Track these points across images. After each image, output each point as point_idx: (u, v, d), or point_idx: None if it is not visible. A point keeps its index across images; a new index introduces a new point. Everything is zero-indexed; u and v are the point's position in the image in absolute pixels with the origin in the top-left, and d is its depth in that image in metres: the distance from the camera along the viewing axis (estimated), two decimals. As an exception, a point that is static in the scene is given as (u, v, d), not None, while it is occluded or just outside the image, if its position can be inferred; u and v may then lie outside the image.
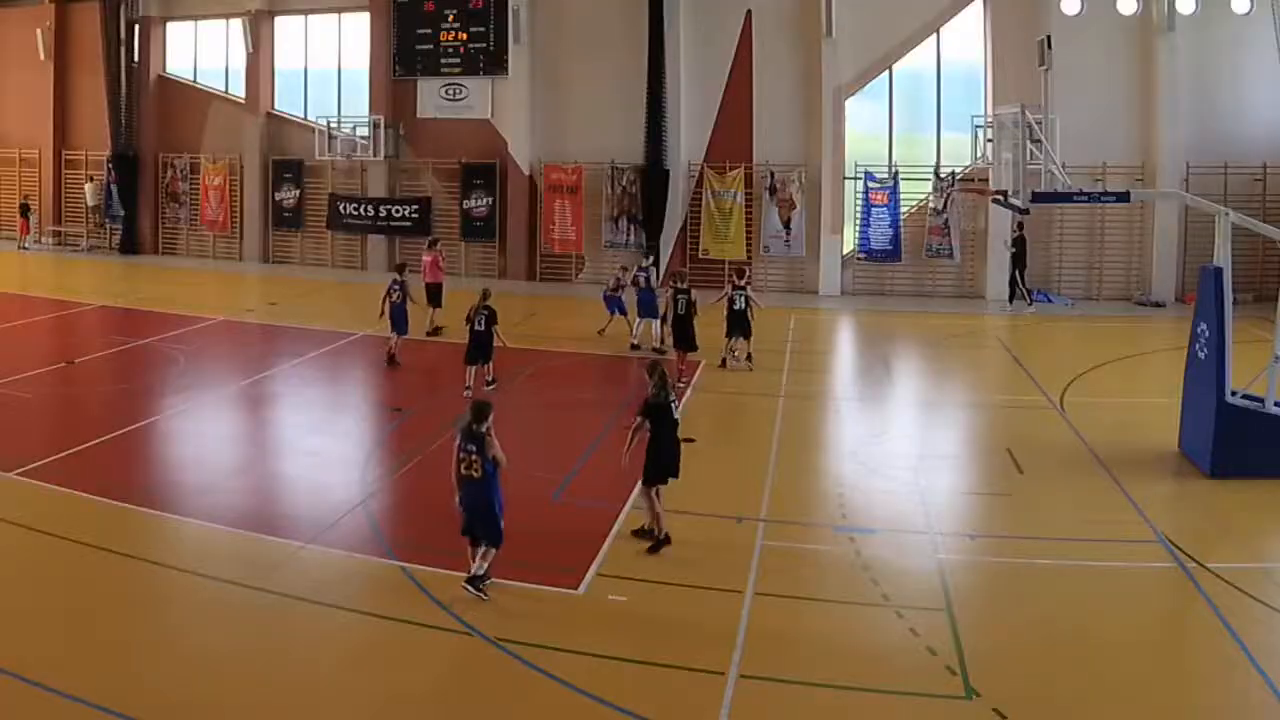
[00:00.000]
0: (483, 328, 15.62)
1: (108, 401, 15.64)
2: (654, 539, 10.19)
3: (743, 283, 18.15)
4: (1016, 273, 24.57)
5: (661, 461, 10.18)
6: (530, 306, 23.88)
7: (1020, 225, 24.36)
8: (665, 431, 10.17)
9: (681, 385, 15.77)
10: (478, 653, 8.18)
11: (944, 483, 12.54)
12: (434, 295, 20.40)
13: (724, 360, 17.96)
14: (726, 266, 26.76)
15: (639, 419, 10.15)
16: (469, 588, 8.92)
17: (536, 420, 14.80)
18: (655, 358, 11.60)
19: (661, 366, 10.69)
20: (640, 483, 10.34)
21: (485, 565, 8.96)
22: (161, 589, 9.31)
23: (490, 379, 15.95)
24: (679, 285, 17.19)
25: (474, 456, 8.83)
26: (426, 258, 20.88)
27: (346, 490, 11.80)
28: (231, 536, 10.35)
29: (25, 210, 32.55)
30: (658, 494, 10.27)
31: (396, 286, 18.01)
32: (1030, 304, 24.46)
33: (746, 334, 17.96)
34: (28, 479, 11.65)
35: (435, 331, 19.96)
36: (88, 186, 32.62)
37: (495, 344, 15.79)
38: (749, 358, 18.02)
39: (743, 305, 17.87)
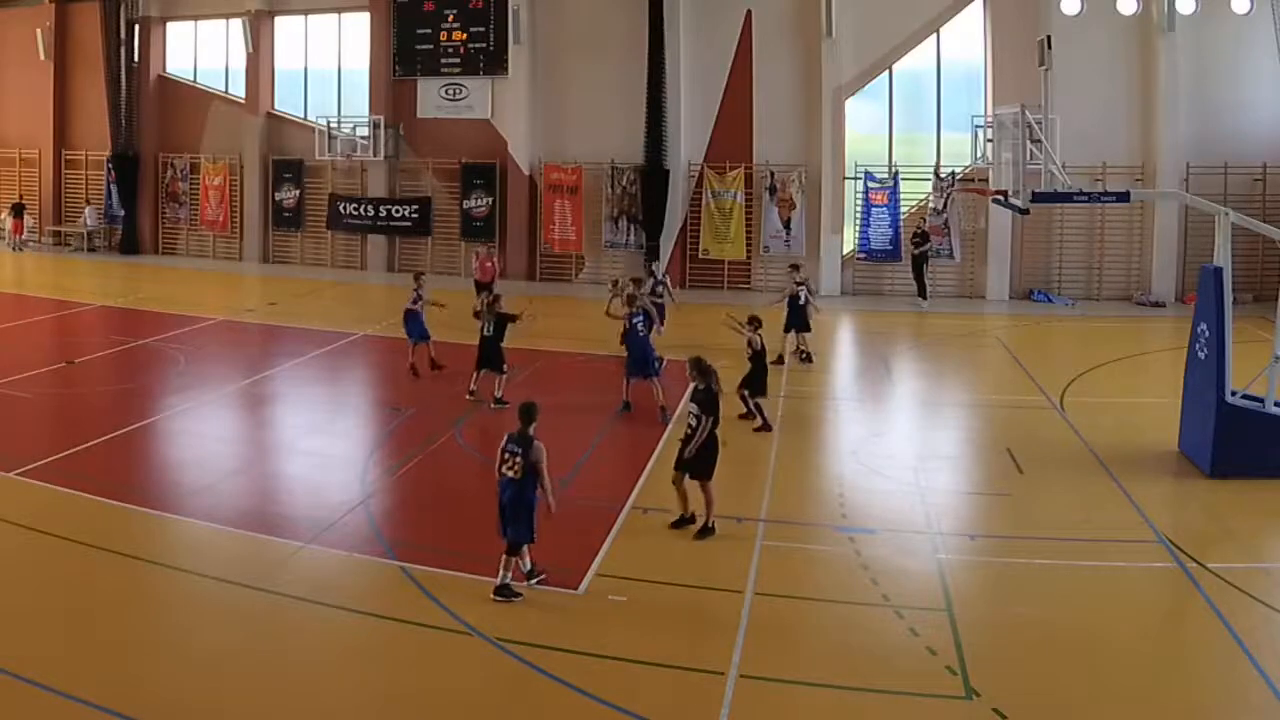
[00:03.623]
0: (490, 333, 15.15)
1: (108, 401, 15.63)
2: (702, 525, 10.50)
3: (801, 278, 18.56)
4: (922, 269, 25.03)
5: (714, 456, 10.53)
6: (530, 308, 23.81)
7: (923, 222, 25.30)
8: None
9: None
10: (478, 653, 8.17)
11: (944, 483, 12.54)
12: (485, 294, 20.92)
13: (780, 357, 17.88)
14: (726, 267, 26.92)
15: (712, 418, 10.45)
16: (532, 583, 9.18)
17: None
18: (697, 354, 11.58)
19: (705, 361, 10.82)
20: (700, 477, 10.50)
21: (529, 561, 9.26)
22: (161, 589, 9.31)
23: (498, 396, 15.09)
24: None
25: (517, 458, 8.96)
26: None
27: (346, 490, 11.80)
28: (231, 536, 10.36)
29: (19, 210, 32.57)
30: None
31: (415, 294, 17.20)
32: (926, 300, 24.76)
33: (807, 328, 18.41)
34: (28, 479, 11.65)
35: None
36: (87, 209, 32.71)
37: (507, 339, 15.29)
38: (808, 357, 18.37)
39: (804, 300, 18.29)
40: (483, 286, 21.35)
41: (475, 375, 15.39)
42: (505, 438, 9.14)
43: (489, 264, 22.30)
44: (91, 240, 32.69)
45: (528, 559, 9.22)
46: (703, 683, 7.74)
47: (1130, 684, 7.86)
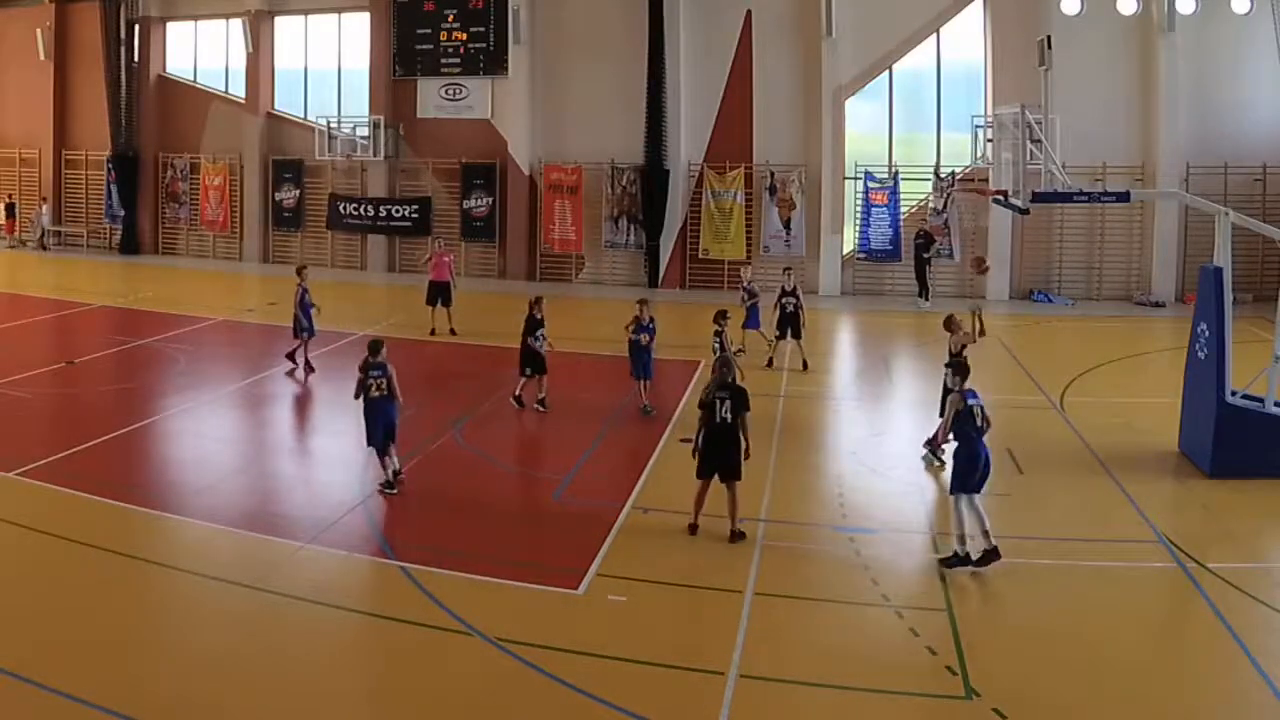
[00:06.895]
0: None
1: (108, 401, 15.64)
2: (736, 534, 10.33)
3: (748, 281, 18.74)
4: (925, 269, 25.05)
5: (702, 452, 10.39)
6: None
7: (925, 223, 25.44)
8: (709, 427, 10.33)
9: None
10: (478, 653, 8.17)
11: (944, 483, 12.51)
12: (443, 294, 20.64)
13: (770, 359, 18.12)
14: (726, 267, 26.91)
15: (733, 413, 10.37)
16: (397, 479, 11.59)
17: (537, 420, 14.80)
18: (727, 355, 11.96)
19: (727, 360, 10.75)
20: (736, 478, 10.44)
21: (397, 459, 11.73)
22: (161, 589, 9.31)
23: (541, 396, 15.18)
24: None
25: (382, 380, 11.50)
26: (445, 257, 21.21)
27: (346, 490, 11.81)
28: (231, 536, 10.37)
29: (11, 210, 32.63)
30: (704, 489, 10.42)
31: (303, 290, 17.61)
32: (927, 300, 24.68)
33: (755, 326, 18.50)
34: (28, 479, 11.66)
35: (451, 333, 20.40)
36: (42, 208, 32.79)
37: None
38: (770, 362, 18.22)
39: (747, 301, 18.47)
40: (438, 285, 20.62)
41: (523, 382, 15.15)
42: (365, 366, 11.59)
43: (446, 259, 21.03)
44: (45, 239, 32.67)
45: (396, 457, 11.64)
46: (703, 683, 7.74)
47: (1130, 684, 7.86)
